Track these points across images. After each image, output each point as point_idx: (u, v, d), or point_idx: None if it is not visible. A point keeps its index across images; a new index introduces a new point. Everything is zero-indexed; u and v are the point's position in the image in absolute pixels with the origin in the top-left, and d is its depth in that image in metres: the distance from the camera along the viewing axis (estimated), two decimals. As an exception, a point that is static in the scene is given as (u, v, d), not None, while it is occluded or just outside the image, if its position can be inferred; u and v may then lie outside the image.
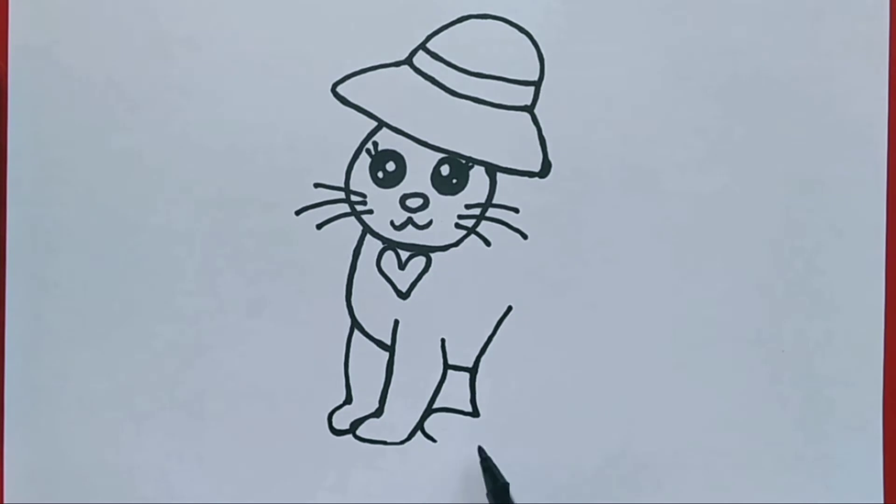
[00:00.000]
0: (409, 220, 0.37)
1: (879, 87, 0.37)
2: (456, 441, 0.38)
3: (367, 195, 0.37)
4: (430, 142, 0.37)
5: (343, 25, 0.37)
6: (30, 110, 0.37)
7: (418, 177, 0.37)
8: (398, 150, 0.37)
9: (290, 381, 0.37)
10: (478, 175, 0.37)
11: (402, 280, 0.38)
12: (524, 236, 0.37)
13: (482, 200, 0.37)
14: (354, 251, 0.37)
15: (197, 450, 0.37)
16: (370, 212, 0.37)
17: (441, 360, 0.38)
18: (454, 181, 0.37)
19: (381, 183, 0.37)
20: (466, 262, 0.37)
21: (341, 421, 0.38)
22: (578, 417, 0.37)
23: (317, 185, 0.37)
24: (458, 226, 0.37)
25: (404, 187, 0.37)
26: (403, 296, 0.38)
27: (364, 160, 0.37)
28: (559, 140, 0.37)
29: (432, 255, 0.37)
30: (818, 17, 0.37)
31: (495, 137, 0.37)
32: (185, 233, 0.37)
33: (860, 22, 0.37)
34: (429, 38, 0.37)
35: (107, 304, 0.37)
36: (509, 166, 0.37)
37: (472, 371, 0.38)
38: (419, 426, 0.38)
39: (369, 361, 0.38)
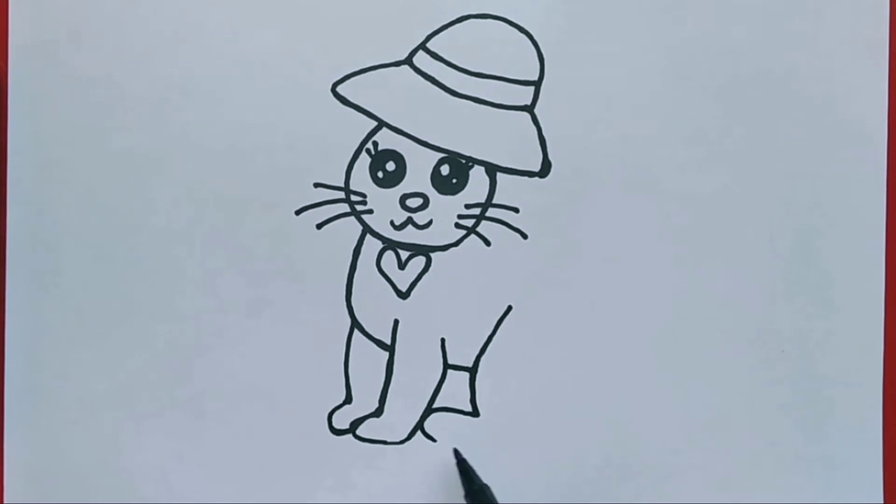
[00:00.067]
0: (409, 220, 0.37)
1: (879, 87, 0.37)
2: (456, 441, 0.38)
3: (367, 195, 0.37)
4: (430, 142, 0.37)
5: (343, 25, 0.37)
6: (30, 110, 0.37)
7: (418, 177, 0.37)
8: (398, 150, 0.37)
9: (290, 381, 0.37)
10: (478, 175, 0.37)
11: (402, 280, 0.38)
12: (524, 236, 0.37)
13: (482, 200, 0.37)
14: (354, 251, 0.37)
15: (197, 450, 0.37)
16: (370, 212, 0.37)
17: (441, 360, 0.38)
18: (454, 181, 0.37)
19: (381, 183, 0.37)
20: (466, 261, 0.37)
21: (341, 421, 0.38)
22: (578, 417, 0.37)
23: (317, 185, 0.37)
24: (458, 226, 0.37)
25: (404, 187, 0.37)
26: (403, 296, 0.38)
27: (364, 160, 0.37)
28: (559, 140, 0.37)
29: (432, 254, 0.37)
30: (818, 17, 0.37)
31: (495, 137, 0.37)
32: (185, 233, 0.37)
33: (860, 22, 0.37)
34: (429, 38, 0.37)
35: (107, 303, 0.37)
36: (509, 166, 0.37)
37: (472, 371, 0.38)
38: (419, 426, 0.38)
39: (369, 361, 0.38)
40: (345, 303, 0.37)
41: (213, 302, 0.37)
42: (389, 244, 0.37)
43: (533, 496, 0.37)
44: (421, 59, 0.37)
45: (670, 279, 0.37)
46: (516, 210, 0.37)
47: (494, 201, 0.37)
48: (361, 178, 0.37)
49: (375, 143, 0.37)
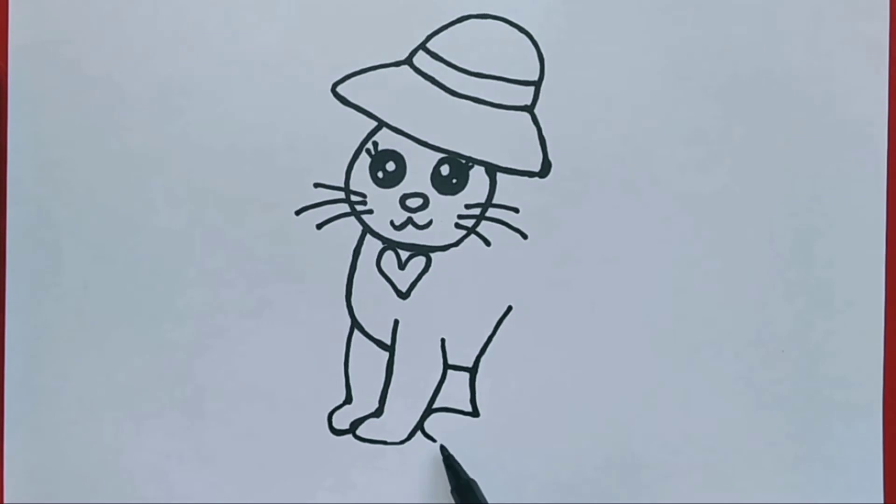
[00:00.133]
0: (409, 220, 0.37)
1: (879, 87, 0.37)
2: (456, 441, 0.38)
3: (367, 195, 0.37)
4: (430, 142, 0.37)
5: (343, 25, 0.37)
6: (30, 110, 0.37)
7: (418, 177, 0.37)
8: (398, 150, 0.37)
9: (290, 381, 0.37)
10: (478, 175, 0.37)
11: (402, 280, 0.38)
12: (524, 236, 0.37)
13: (482, 200, 0.37)
14: (354, 251, 0.37)
15: (197, 450, 0.37)
16: (370, 212, 0.37)
17: (441, 360, 0.38)
18: (454, 181, 0.37)
19: (381, 183, 0.37)
20: (466, 261, 0.37)
21: (341, 421, 0.38)
22: (578, 417, 0.37)
23: (317, 185, 0.37)
24: (458, 226, 0.37)
25: (404, 187, 0.37)
26: (403, 296, 0.38)
27: (364, 160, 0.37)
28: (559, 140, 0.37)
29: (432, 255, 0.37)
30: (818, 17, 0.37)
31: (495, 137, 0.37)
32: (185, 233, 0.37)
33: (860, 22, 0.37)
34: (429, 38, 0.37)
35: (107, 303, 0.37)
36: (509, 166, 0.37)
37: (472, 371, 0.38)
38: (419, 426, 0.38)
39: (369, 361, 0.38)
40: (345, 303, 0.37)
41: (213, 302, 0.37)
42: (389, 244, 0.37)
43: (533, 496, 0.37)
44: (421, 60, 0.37)
45: (670, 279, 0.37)
46: (516, 210, 0.37)
47: (494, 201, 0.37)
48: (361, 178, 0.37)
49: (375, 144, 0.37)
